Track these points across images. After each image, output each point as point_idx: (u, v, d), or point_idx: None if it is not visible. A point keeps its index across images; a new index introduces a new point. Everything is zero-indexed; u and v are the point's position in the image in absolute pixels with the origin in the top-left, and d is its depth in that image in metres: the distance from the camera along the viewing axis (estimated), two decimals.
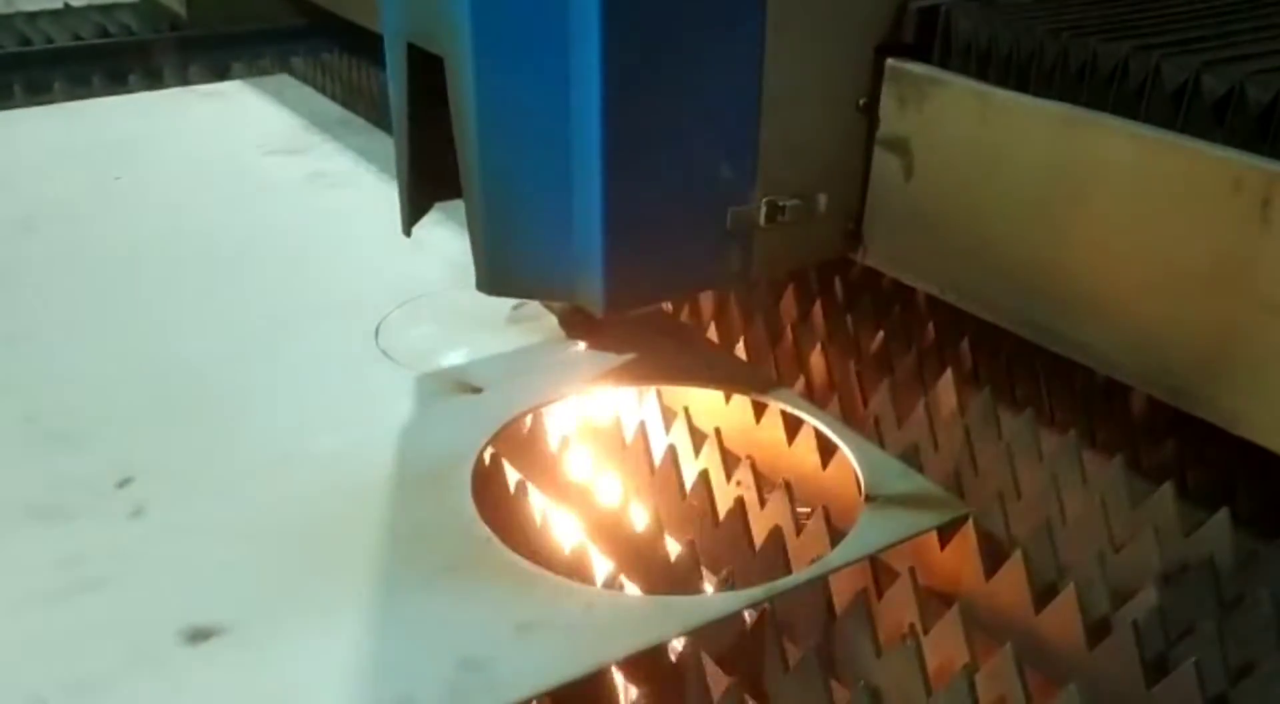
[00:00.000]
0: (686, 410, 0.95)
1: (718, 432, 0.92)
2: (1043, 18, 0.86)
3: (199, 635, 0.69)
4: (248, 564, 0.75)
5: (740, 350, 1.05)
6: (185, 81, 1.81)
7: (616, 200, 0.83)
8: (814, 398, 0.98)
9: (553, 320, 1.05)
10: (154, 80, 1.84)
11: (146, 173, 1.42)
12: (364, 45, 1.80)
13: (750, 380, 0.97)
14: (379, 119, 1.58)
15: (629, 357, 1.00)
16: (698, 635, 0.70)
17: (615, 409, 0.96)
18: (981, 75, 0.86)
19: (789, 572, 0.78)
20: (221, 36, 1.99)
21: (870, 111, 0.93)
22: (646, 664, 0.70)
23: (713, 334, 1.08)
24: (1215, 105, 0.72)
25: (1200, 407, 0.77)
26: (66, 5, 2.13)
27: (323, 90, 1.75)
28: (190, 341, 1.03)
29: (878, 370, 1.01)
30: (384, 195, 1.28)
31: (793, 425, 0.93)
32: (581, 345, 1.02)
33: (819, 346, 1.02)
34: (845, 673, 0.74)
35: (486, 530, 0.78)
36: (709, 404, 0.97)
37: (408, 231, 1.00)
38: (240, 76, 1.85)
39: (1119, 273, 0.78)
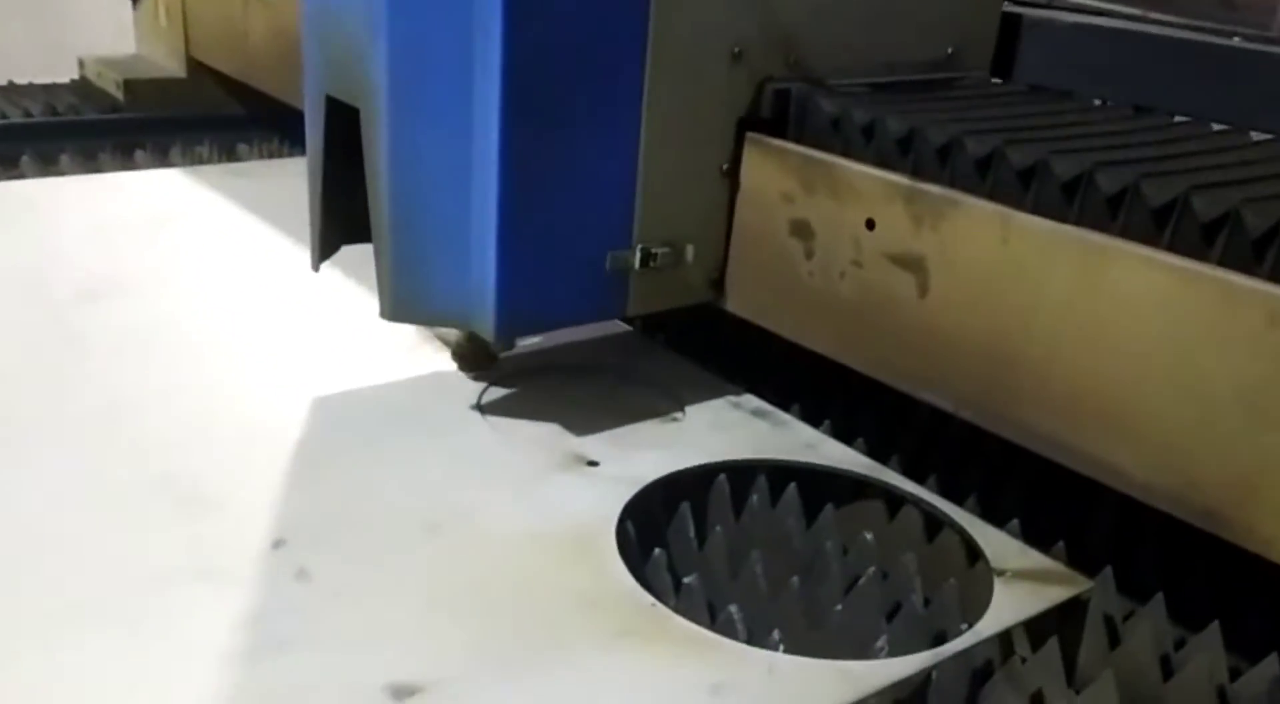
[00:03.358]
0: (796, 487, 0.99)
1: (830, 507, 0.96)
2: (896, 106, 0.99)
3: (404, 692, 0.69)
4: (427, 625, 0.76)
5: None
6: (130, 163, 1.83)
7: (509, 242, 0.94)
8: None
9: None
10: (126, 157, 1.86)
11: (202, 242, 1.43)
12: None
13: (847, 459, 1.02)
14: None
15: (727, 433, 1.05)
16: (877, 697, 0.73)
17: (724, 484, 0.99)
18: (831, 147, 0.99)
19: (931, 641, 0.82)
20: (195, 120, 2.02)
21: (732, 176, 1.05)
22: None
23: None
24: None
25: (1232, 533, 0.76)
26: (11, 83, 2.14)
27: None
28: (284, 409, 1.04)
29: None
30: None
31: (895, 501, 0.98)
32: (677, 422, 1.07)
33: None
34: None
35: (649, 596, 0.81)
36: (813, 479, 1.02)
37: (316, 268, 1.08)
38: (179, 163, 1.87)
39: (1151, 398, 0.78)
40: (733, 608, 0.84)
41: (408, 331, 1.19)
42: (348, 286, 1.27)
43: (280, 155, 1.99)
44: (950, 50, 1.16)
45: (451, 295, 0.96)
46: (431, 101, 0.90)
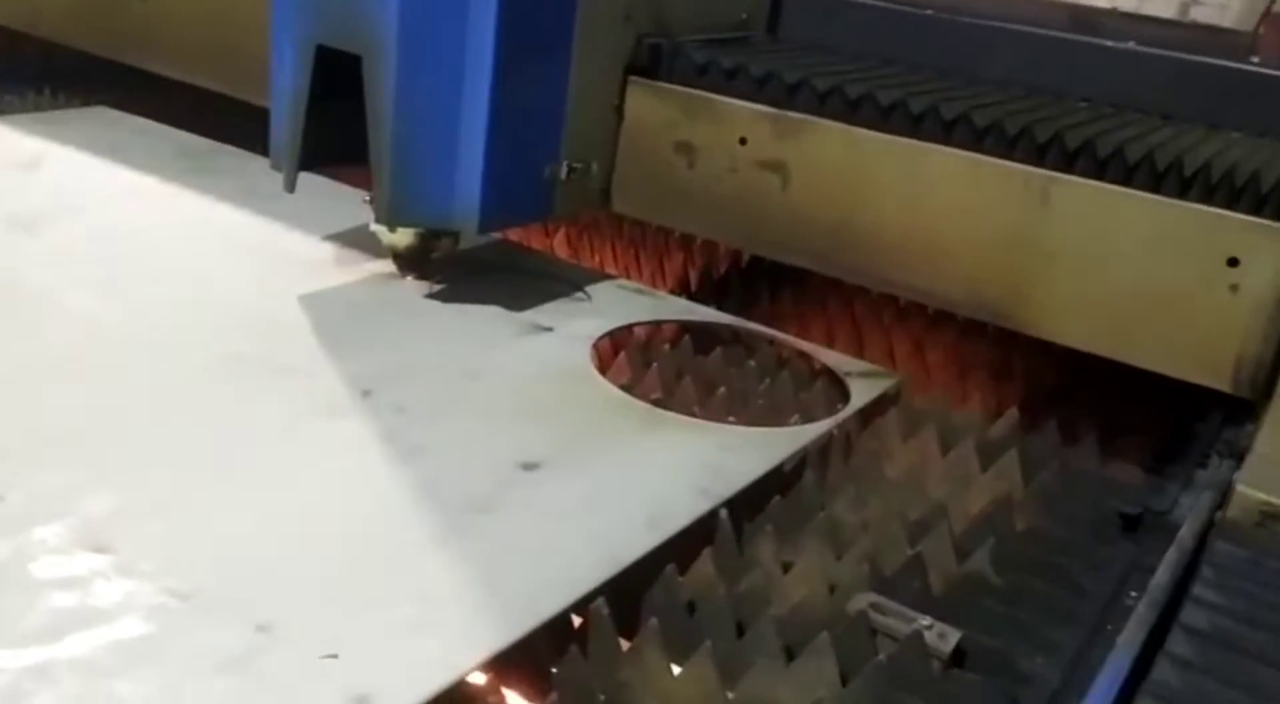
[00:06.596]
0: (690, 337, 1.35)
1: (717, 348, 1.34)
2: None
3: (531, 466, 0.99)
4: (515, 430, 1.06)
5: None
6: None
7: (490, 158, 1.24)
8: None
9: None
10: None
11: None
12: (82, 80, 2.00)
13: (717, 316, 1.41)
14: None
15: (626, 305, 1.39)
16: (815, 443, 1.13)
17: (641, 335, 1.34)
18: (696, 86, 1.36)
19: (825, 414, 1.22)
20: None
21: (619, 111, 1.42)
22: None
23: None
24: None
25: (1009, 321, 1.25)
26: None
27: None
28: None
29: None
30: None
31: (758, 342, 1.38)
32: (588, 300, 1.39)
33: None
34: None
35: (645, 402, 1.15)
36: (702, 331, 1.38)
37: (291, 190, 1.32)
38: None
39: (953, 243, 1.24)
40: (695, 408, 1.20)
41: (326, 254, 1.42)
42: (257, 223, 1.46)
43: (54, 106, 2.03)
44: (744, 15, 1.55)
45: (440, 201, 1.23)
46: (432, 50, 1.16)
